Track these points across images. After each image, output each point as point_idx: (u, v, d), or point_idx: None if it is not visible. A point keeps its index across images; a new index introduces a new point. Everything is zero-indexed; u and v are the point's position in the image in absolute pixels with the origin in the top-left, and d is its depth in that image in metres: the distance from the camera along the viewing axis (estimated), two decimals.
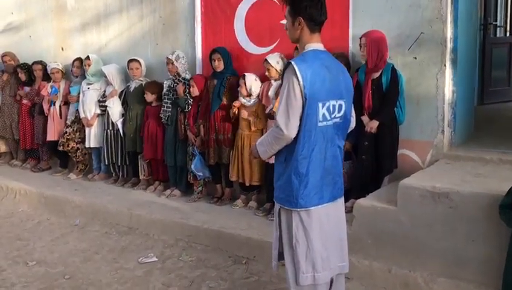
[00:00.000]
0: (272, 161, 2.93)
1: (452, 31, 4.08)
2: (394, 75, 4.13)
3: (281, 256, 2.89)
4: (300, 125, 2.60)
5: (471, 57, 4.71)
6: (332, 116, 2.68)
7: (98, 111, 6.22)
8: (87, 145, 6.38)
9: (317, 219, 2.73)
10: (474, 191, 3.22)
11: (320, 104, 2.61)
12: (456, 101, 4.20)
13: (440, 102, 4.13)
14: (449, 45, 4.06)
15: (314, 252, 2.73)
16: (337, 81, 2.70)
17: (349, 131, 2.90)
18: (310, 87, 2.56)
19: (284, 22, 2.81)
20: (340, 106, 2.71)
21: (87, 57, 6.32)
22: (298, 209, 2.71)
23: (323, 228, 2.75)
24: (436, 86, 4.12)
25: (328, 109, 2.65)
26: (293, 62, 2.60)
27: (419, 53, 4.17)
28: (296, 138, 2.63)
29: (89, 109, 6.26)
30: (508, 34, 7.56)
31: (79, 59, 6.53)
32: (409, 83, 4.23)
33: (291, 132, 2.60)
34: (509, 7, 7.47)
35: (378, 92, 4.17)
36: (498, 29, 7.33)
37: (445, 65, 4.07)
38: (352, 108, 2.86)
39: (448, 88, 4.12)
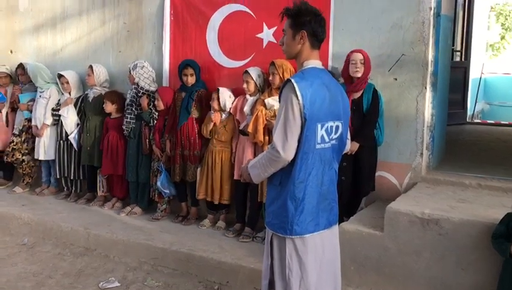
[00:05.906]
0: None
1: (433, 54, 4.06)
2: (375, 96, 4.05)
3: (271, 285, 2.71)
4: (298, 147, 2.45)
5: (446, 80, 4.73)
6: (330, 137, 2.56)
7: (47, 122, 5.70)
8: (36, 157, 5.89)
9: (312, 247, 2.59)
10: (465, 218, 3.15)
11: (319, 125, 2.49)
12: (435, 124, 4.17)
13: (420, 125, 4.08)
14: (430, 68, 4.03)
15: (309, 283, 2.59)
16: (336, 102, 2.60)
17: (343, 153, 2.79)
18: (309, 107, 2.43)
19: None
20: (337, 128, 2.61)
21: (20, 66, 5.95)
22: (293, 237, 2.55)
23: (318, 257, 2.61)
24: (416, 109, 4.08)
25: (326, 131, 2.55)
26: (292, 80, 2.47)
27: (399, 74, 4.12)
28: (292, 161, 2.48)
29: (38, 118, 5.78)
30: (463, 59, 7.82)
31: (21, 66, 6.04)
32: (389, 104, 4.16)
33: (288, 154, 2.45)
34: (464, 33, 7.74)
35: (359, 113, 4.06)
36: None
37: (425, 88, 4.03)
38: (348, 130, 2.74)
39: (427, 111, 4.09)
